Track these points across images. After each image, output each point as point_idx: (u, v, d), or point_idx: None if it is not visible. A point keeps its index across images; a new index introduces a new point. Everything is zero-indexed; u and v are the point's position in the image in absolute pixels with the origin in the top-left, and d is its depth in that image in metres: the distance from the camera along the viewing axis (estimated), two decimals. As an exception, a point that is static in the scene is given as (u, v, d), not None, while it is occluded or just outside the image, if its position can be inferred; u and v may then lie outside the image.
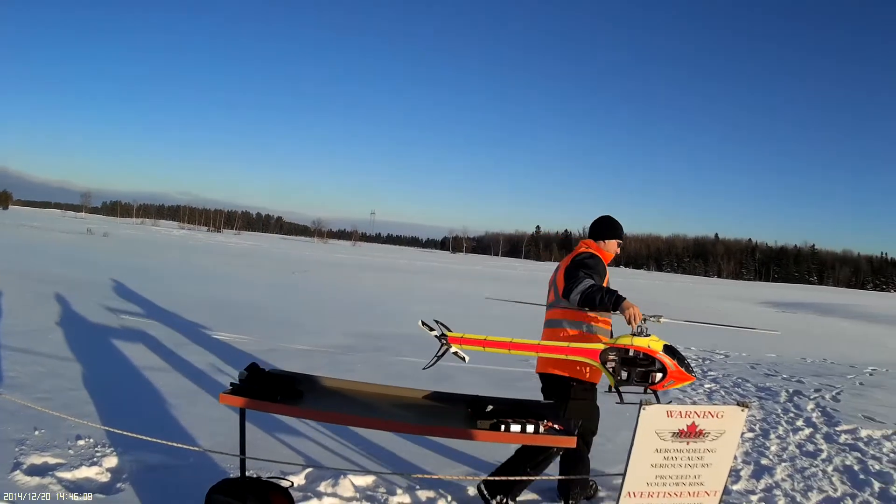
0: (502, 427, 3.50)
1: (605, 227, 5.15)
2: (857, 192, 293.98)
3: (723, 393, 9.29)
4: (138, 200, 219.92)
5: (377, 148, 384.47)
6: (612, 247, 5.10)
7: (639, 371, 4.17)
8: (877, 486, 5.73)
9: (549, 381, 4.75)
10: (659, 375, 4.14)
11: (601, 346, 4.20)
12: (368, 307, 16.79)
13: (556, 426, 3.58)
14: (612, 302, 4.21)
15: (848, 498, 5.38)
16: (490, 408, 3.81)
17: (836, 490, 5.57)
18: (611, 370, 4.18)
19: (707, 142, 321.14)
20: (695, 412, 3.11)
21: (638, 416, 3.08)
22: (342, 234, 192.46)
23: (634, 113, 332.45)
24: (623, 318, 4.22)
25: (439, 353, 4.51)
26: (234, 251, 45.54)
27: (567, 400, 4.47)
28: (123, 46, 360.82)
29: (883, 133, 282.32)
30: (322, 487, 4.58)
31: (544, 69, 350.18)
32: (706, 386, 9.77)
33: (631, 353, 4.16)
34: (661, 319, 4.60)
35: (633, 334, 4.20)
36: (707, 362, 12.08)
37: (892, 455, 6.76)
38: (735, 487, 5.43)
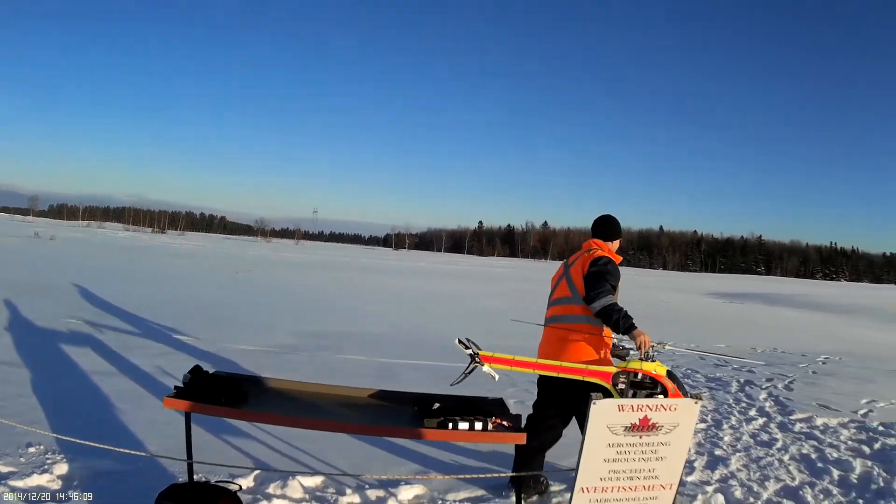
0: (450, 425, 3.38)
1: (612, 228, 5.28)
2: (805, 183, 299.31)
3: (675, 386, 9.20)
4: (84, 202, 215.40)
5: (318, 146, 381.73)
6: (616, 247, 5.26)
7: (643, 393, 4.17)
8: (836, 473, 5.70)
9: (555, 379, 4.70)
10: (661, 397, 4.16)
11: (615, 370, 4.34)
12: (312, 306, 16.60)
13: (504, 423, 3.46)
14: (626, 328, 4.49)
15: (807, 486, 5.33)
16: (437, 406, 3.70)
17: (793, 479, 5.53)
18: (619, 391, 4.21)
19: (650, 134, 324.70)
20: (647, 406, 3.01)
21: (588, 410, 2.96)
22: (285, 233, 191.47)
23: (575, 106, 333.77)
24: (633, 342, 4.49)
25: (468, 370, 4.53)
26: (179, 252, 44.76)
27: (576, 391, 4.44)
28: (63, 45, 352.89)
29: (830, 124, 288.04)
30: (271, 489, 4.45)
31: (482, 64, 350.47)
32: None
33: (639, 377, 4.26)
34: (666, 346, 4.90)
35: (641, 359, 4.37)
36: (656, 354, 11.91)
37: (849, 443, 6.75)
38: (690, 479, 5.35)
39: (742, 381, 9.78)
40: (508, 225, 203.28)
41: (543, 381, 5.01)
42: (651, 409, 3.00)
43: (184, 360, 8.26)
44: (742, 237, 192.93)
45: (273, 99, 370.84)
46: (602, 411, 2.98)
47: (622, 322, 4.54)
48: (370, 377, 8.40)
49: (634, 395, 4.15)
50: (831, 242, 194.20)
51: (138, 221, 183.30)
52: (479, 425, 3.36)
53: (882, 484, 5.52)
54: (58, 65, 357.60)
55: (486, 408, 3.75)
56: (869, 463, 6.07)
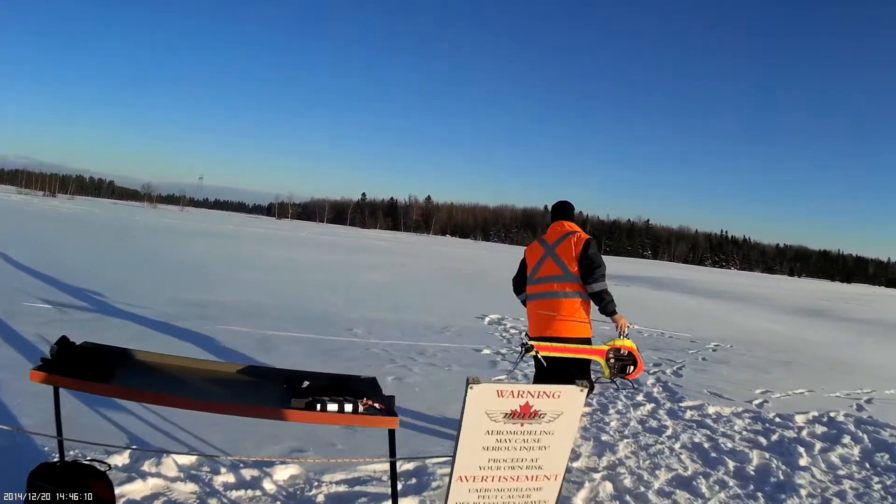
0: (318, 406, 3.08)
1: (573, 211, 6.23)
2: (696, 171, 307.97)
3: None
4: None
5: (205, 112, 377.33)
6: None
7: (620, 364, 5.55)
8: (731, 464, 5.60)
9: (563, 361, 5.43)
10: (631, 367, 5.55)
11: (606, 348, 5.49)
12: (195, 274, 16.14)
13: (375, 405, 3.18)
14: (611, 312, 5.53)
15: (700, 476, 5.22)
16: (307, 384, 3.40)
17: (686, 468, 5.41)
18: (609, 365, 5.50)
19: (538, 111, 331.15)
20: (528, 392, 2.76)
21: (465, 395, 2.72)
22: (171, 199, 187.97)
23: (463, 83, 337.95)
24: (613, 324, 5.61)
25: (522, 356, 5.57)
26: (67, 216, 43.14)
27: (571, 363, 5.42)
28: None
29: (723, 111, 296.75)
30: (146, 467, 4.20)
31: (369, 34, 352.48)
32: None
33: (623, 352, 5.53)
34: (635, 327, 6.30)
35: (620, 337, 5.57)
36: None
37: (744, 433, 6.67)
38: (576, 465, 5.21)
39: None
40: (392, 198, 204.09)
41: (547, 358, 5.41)
42: (533, 396, 2.76)
43: (66, 328, 7.79)
44: (629, 220, 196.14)
45: (162, 64, 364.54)
46: (479, 397, 2.73)
47: (609, 306, 5.51)
48: (249, 349, 8.14)
49: (623, 370, 5.54)
50: (722, 230, 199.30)
51: (31, 184, 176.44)
52: (348, 407, 3.08)
53: (782, 477, 5.44)
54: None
55: (359, 387, 3.47)
56: (767, 455, 5.99)
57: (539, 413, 2.80)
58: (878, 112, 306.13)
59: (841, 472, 5.72)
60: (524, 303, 6.09)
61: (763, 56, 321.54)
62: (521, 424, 2.81)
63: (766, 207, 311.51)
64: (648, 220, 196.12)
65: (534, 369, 5.82)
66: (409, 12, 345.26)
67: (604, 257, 5.60)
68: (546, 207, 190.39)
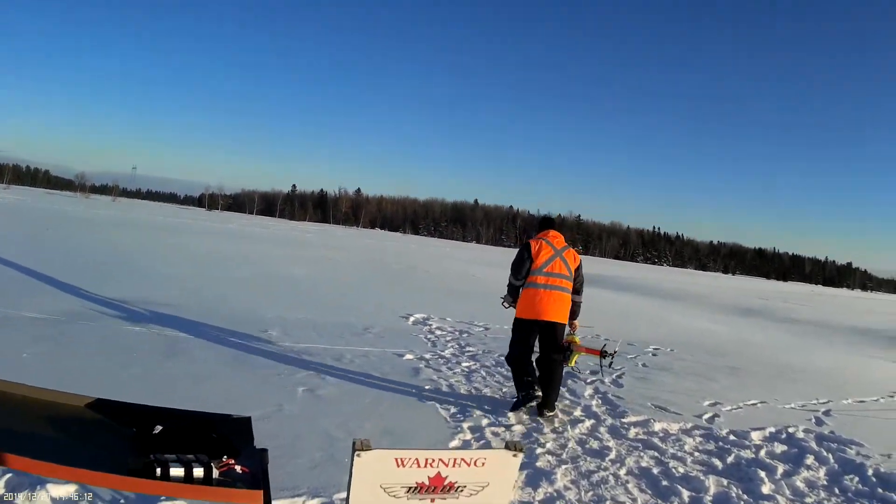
0: (158, 470, 2.25)
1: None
2: (628, 166, 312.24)
3: (483, 374, 8.32)
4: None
5: (139, 100, 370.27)
6: None
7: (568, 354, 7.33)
8: (686, 494, 4.90)
9: (557, 328, 6.92)
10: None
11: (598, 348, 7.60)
12: (110, 268, 15.03)
13: (238, 468, 2.35)
14: (577, 315, 7.43)
15: (654, 510, 4.51)
16: (159, 429, 2.58)
17: (634, 501, 4.70)
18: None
19: (467, 104, 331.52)
20: (440, 460, 1.98)
21: (351, 464, 1.93)
22: (105, 189, 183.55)
23: (393, 73, 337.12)
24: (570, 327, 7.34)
25: (607, 365, 7.75)
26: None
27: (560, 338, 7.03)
28: None
29: (656, 103, 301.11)
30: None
31: (298, 21, 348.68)
32: (464, 365, 8.78)
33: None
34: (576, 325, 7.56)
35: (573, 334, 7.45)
36: (465, 336, 11.20)
37: (696, 454, 5.96)
38: (508, 501, 4.47)
39: (563, 372, 8.92)
40: (322, 190, 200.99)
41: (538, 329, 6.91)
42: (446, 465, 1.98)
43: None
44: (560, 215, 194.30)
45: (98, 54, 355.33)
46: (371, 467, 1.94)
47: (578, 312, 7.38)
48: (151, 354, 7.33)
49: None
50: (654, 227, 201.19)
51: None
52: (198, 471, 2.25)
53: (744, 509, 4.73)
54: None
55: (228, 432, 2.64)
56: (724, 481, 5.28)
57: (456, 486, 2.02)
58: (815, 106, 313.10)
59: (809, 501, 5.06)
60: (517, 289, 7.20)
61: (694, 43, 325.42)
62: (432, 500, 2.03)
63: (699, 205, 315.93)
64: (580, 216, 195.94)
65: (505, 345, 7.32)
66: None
67: None
68: (476, 201, 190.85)
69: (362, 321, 11.40)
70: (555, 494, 4.62)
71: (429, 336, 10.76)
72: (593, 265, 70.86)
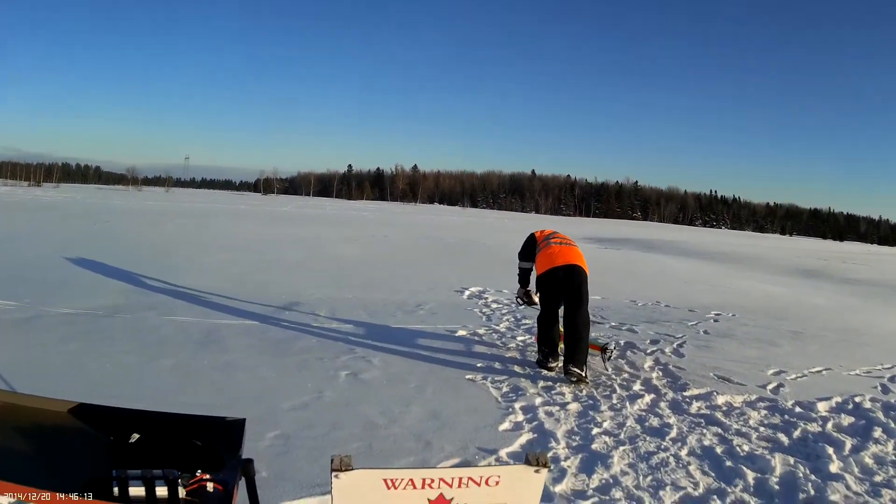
0: (116, 489, 1.86)
1: None
2: (684, 131, 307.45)
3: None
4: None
5: (189, 91, 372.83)
6: None
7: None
8: (750, 475, 4.47)
9: (578, 272, 6.80)
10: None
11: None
12: (156, 259, 14.48)
13: (209, 485, 1.94)
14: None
15: (715, 497, 4.12)
16: (136, 437, 2.20)
17: (696, 485, 4.27)
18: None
19: (523, 75, 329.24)
20: (441, 479, 1.55)
21: (330, 486, 1.52)
22: (157, 181, 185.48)
23: (452, 46, 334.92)
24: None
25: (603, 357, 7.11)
26: (45, 204, 41.36)
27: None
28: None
29: (710, 71, 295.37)
30: None
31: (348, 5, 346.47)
32: (519, 339, 8.30)
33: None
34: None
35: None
36: (522, 308, 9.72)
37: (762, 430, 5.48)
38: (558, 488, 4.04)
39: (622, 342, 8.43)
40: (378, 168, 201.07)
41: (561, 281, 6.79)
42: (450, 485, 1.56)
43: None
44: (618, 182, 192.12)
45: (144, 47, 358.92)
46: (353, 489, 1.52)
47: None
48: (186, 344, 7.04)
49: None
50: (711, 190, 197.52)
51: (16, 175, 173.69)
52: (162, 491, 1.85)
53: (812, 491, 4.30)
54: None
55: (213, 439, 2.24)
56: (791, 460, 4.82)
57: (465, 509, 1.60)
58: (869, 70, 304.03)
59: (878, 479, 4.57)
60: (528, 272, 7.49)
61: (749, 14, 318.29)
62: (437, 526, 1.61)
63: (755, 167, 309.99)
64: (637, 182, 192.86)
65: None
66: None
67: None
68: (533, 172, 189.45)
69: (415, 298, 11.03)
70: (611, 481, 4.25)
71: (484, 310, 10.33)
72: (651, 231, 70.19)
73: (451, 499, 1.59)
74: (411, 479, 1.54)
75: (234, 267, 13.88)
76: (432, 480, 1.55)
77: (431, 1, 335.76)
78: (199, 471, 1.99)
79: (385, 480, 1.53)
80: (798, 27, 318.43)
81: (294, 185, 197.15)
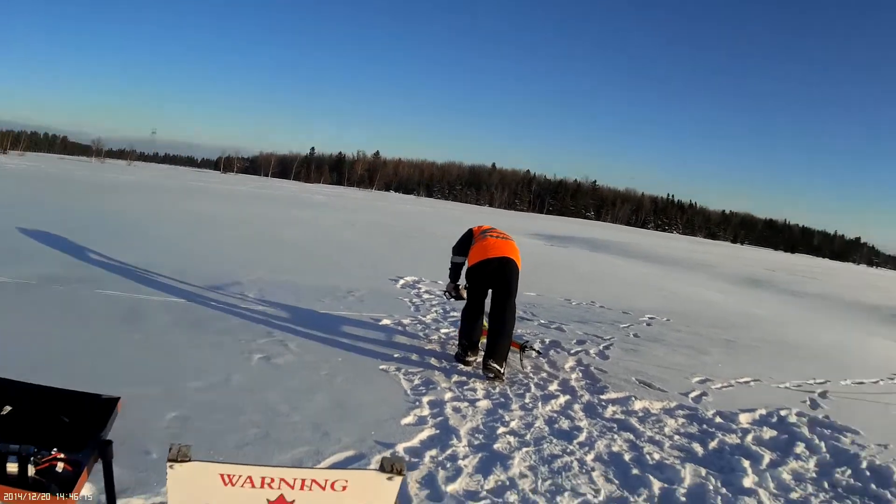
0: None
1: None
2: (641, 134, 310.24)
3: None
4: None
5: (161, 63, 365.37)
6: None
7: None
8: (657, 486, 4.42)
9: (510, 265, 6.73)
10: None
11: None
12: (100, 231, 14.08)
13: (59, 466, 1.89)
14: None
15: (613, 505, 4.07)
16: (8, 409, 2.15)
17: (597, 492, 4.22)
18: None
19: (489, 70, 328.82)
20: (282, 480, 1.52)
21: (166, 476, 1.48)
22: (122, 154, 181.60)
23: (409, 36, 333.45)
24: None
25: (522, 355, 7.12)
26: (7, 172, 40.32)
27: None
28: None
29: (674, 73, 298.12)
30: None
31: None
32: (442, 331, 8.26)
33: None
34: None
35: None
36: (452, 300, 9.02)
37: (676, 439, 5.45)
38: (450, 488, 3.99)
39: (547, 341, 8.40)
40: (340, 152, 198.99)
41: (491, 273, 6.75)
42: (291, 486, 1.53)
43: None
44: (576, 180, 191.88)
45: (119, 15, 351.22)
46: (188, 482, 1.49)
47: None
48: (111, 319, 6.86)
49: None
50: (668, 194, 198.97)
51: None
52: (12, 467, 1.80)
53: (719, 504, 4.29)
54: None
55: (80, 417, 2.19)
56: (703, 471, 4.79)
57: (308, 511, 1.57)
58: (832, 81, 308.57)
59: (794, 496, 4.59)
60: (459, 266, 7.41)
61: (713, 16, 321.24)
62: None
63: (714, 173, 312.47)
64: (595, 182, 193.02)
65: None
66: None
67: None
68: (493, 166, 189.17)
69: (347, 284, 10.88)
70: (507, 483, 4.18)
71: (414, 300, 10.26)
72: (602, 231, 70.39)
73: (293, 501, 1.56)
74: (250, 477, 1.51)
75: (178, 244, 13.59)
76: (272, 480, 1.52)
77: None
78: (55, 449, 1.94)
79: (222, 476, 1.50)
80: (761, 33, 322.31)
81: (255, 166, 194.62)
